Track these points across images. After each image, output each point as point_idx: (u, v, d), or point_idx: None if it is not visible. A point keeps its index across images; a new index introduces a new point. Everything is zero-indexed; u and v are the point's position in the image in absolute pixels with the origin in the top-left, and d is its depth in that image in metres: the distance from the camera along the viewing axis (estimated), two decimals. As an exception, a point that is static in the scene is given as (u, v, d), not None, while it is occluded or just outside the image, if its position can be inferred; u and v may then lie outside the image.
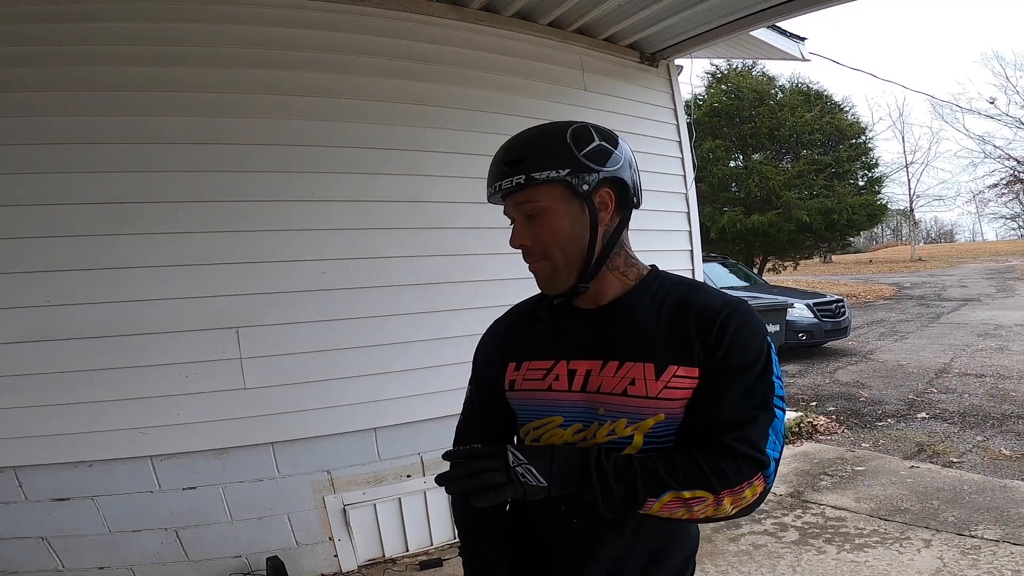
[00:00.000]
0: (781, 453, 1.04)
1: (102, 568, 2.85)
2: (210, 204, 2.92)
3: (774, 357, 1.05)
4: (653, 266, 1.17)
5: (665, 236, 4.42)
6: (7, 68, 2.63)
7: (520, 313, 1.23)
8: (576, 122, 1.09)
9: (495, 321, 1.26)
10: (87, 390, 2.72)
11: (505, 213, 1.11)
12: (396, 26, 3.32)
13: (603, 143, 1.07)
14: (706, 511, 0.99)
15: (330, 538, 3.20)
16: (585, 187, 1.04)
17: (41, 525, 2.75)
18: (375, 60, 3.26)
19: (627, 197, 1.10)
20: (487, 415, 1.22)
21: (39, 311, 2.65)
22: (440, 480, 1.01)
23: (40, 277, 2.66)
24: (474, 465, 0.99)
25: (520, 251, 1.12)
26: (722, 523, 3.69)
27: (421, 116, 3.35)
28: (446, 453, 1.05)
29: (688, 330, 1.04)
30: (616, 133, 1.12)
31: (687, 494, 0.97)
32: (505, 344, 1.20)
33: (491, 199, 1.11)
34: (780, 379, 1.05)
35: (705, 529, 3.62)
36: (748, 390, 1.01)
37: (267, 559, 2.98)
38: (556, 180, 1.03)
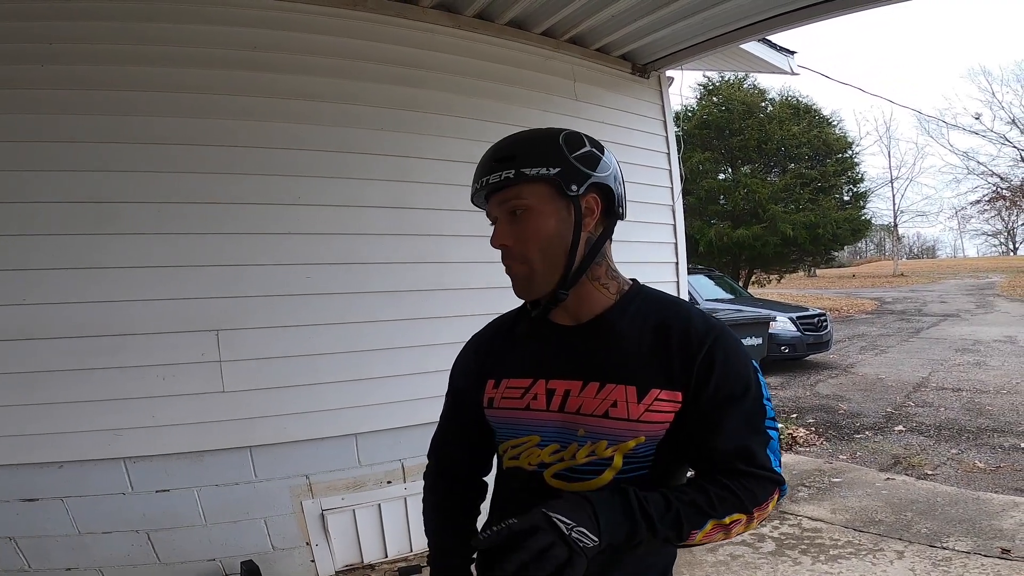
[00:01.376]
0: (779, 467, 1.06)
1: (70, 569, 2.80)
2: (194, 205, 2.89)
3: (762, 380, 1.06)
4: (634, 280, 1.15)
5: (651, 248, 4.44)
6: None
7: (499, 328, 1.21)
8: (568, 129, 1.08)
9: (475, 335, 1.25)
10: (61, 390, 2.68)
11: (488, 214, 1.09)
12: (389, 31, 3.31)
13: (593, 150, 1.07)
14: (740, 529, 1.01)
15: (307, 543, 3.18)
16: (575, 187, 1.03)
17: (8, 525, 2.70)
18: (367, 65, 3.25)
19: (612, 206, 1.08)
20: (464, 428, 1.21)
21: (14, 309, 2.61)
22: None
23: (17, 275, 2.62)
24: (531, 546, 0.85)
25: (500, 253, 1.09)
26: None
27: (412, 122, 3.34)
28: (480, 543, 0.90)
29: (671, 353, 1.03)
30: (603, 145, 1.11)
31: (727, 520, 0.98)
32: (484, 360, 1.18)
33: (475, 198, 1.09)
34: (770, 400, 1.06)
35: (683, 540, 3.64)
36: (746, 418, 1.02)
37: (241, 563, 2.95)
38: (546, 178, 1.02)
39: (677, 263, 4.63)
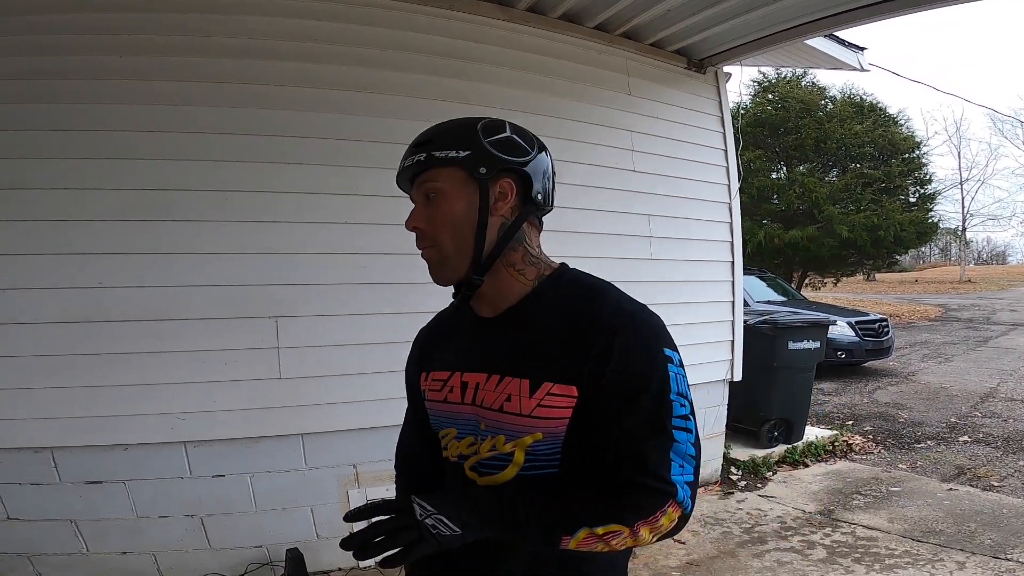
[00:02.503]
0: (695, 473, 0.97)
1: (124, 553, 2.91)
2: (256, 194, 2.96)
3: (673, 372, 0.98)
4: (562, 264, 1.11)
5: (705, 246, 4.37)
6: (65, 56, 2.71)
7: (440, 321, 1.22)
8: (497, 119, 1.08)
9: (421, 328, 1.25)
10: (129, 373, 2.78)
11: (411, 199, 1.09)
12: (440, 24, 3.33)
13: (516, 137, 1.05)
14: (625, 543, 0.95)
15: (351, 532, 3.22)
16: (483, 170, 1.01)
17: (71, 508, 2.81)
18: (417, 57, 3.27)
19: (530, 193, 1.05)
20: (418, 421, 1.20)
21: (87, 292, 2.72)
22: (346, 545, 0.95)
23: (90, 259, 2.73)
24: (382, 526, 0.92)
25: (415, 237, 1.08)
26: (746, 538, 3.63)
27: (461, 114, 3.35)
28: (346, 514, 0.98)
29: (574, 343, 0.98)
30: (543, 142, 1.10)
31: (600, 530, 0.93)
32: (423, 352, 1.19)
33: (398, 180, 1.10)
34: (684, 395, 0.98)
35: (728, 543, 3.57)
36: (644, 418, 0.94)
37: (287, 550, 3.00)
38: (455, 161, 1.01)
39: (733, 262, 4.53)
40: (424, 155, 1.02)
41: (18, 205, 2.66)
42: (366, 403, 3.14)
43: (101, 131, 2.75)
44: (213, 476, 2.98)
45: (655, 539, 0.96)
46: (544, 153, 1.08)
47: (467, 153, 1.01)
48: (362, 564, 3.23)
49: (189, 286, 2.86)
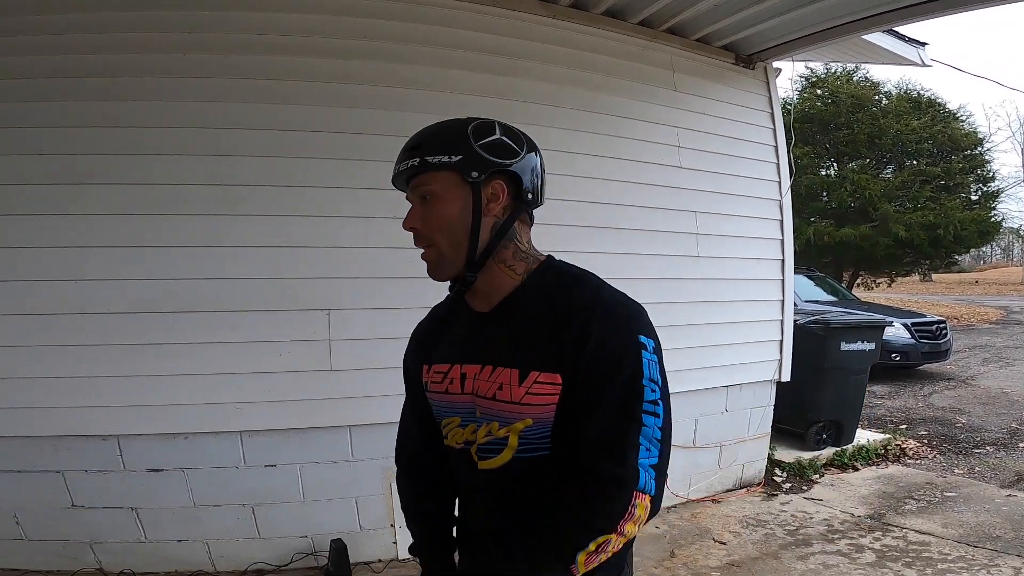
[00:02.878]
0: (662, 456, 1.01)
1: (180, 541, 3.02)
2: (312, 189, 3.03)
3: (647, 359, 1.02)
4: (548, 257, 1.16)
5: (754, 244, 4.29)
6: (133, 54, 2.83)
7: (436, 315, 1.28)
8: (487, 119, 1.11)
9: (420, 322, 1.31)
10: (190, 363, 2.89)
11: (407, 198, 1.14)
12: (483, 20, 3.35)
13: (505, 139, 1.09)
14: (618, 544, 1.00)
15: (392, 524, 3.27)
16: (475, 174, 1.06)
17: (133, 496, 2.94)
18: (459, 53, 3.30)
19: (520, 193, 1.10)
20: (416, 411, 1.27)
21: (152, 284, 2.84)
22: None
23: (155, 252, 2.85)
24: None
25: (412, 236, 1.13)
26: (789, 540, 3.57)
27: (507, 110, 3.34)
28: None
29: (554, 332, 1.04)
30: (532, 141, 1.14)
31: (593, 546, 0.98)
32: (423, 345, 1.25)
33: (394, 181, 1.14)
34: (655, 381, 1.02)
35: (771, 545, 3.52)
36: (614, 402, 0.99)
37: (331, 541, 3.07)
38: (447, 165, 1.05)
39: (783, 260, 4.44)
40: (417, 160, 1.07)
41: (86, 200, 2.80)
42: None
43: (168, 128, 2.87)
44: (265, 466, 3.07)
45: (639, 528, 1.01)
46: (534, 152, 1.13)
47: (459, 158, 1.06)
48: (401, 556, 3.31)
49: (247, 278, 2.95)
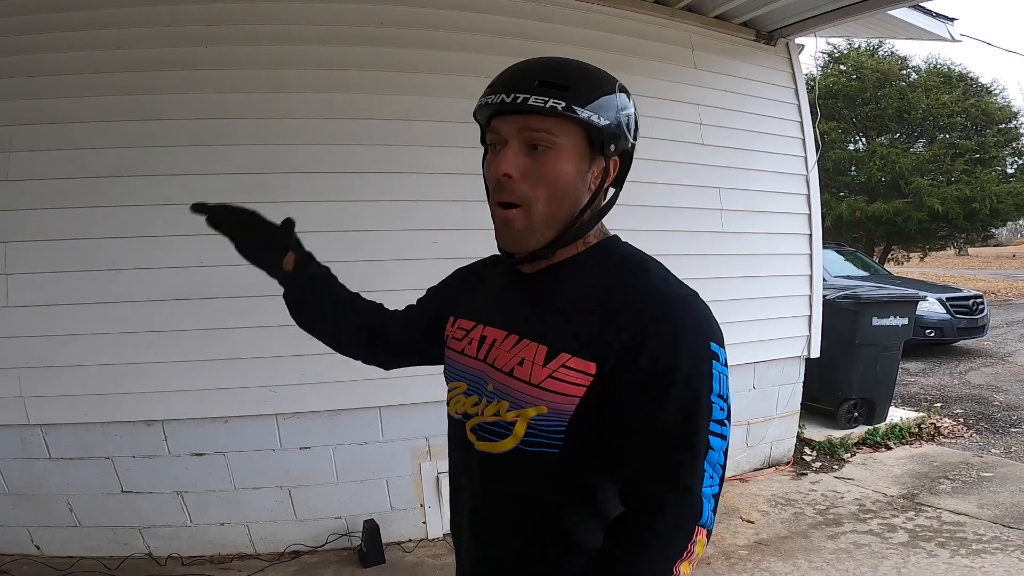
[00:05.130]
0: (722, 482, 0.86)
1: (223, 524, 3.11)
2: (335, 175, 3.07)
3: (717, 371, 0.85)
4: (614, 236, 1.00)
5: (780, 219, 4.26)
6: (161, 47, 2.89)
7: (483, 265, 1.14)
8: (621, 83, 0.94)
9: (465, 267, 1.18)
10: (229, 347, 2.97)
11: (490, 133, 0.93)
12: (502, 3, 3.36)
13: (635, 113, 0.95)
14: None
15: (421, 504, 3.34)
16: (612, 147, 0.91)
17: (179, 480, 3.04)
18: (482, 37, 3.31)
19: (623, 177, 0.97)
20: (410, 313, 1.23)
21: (191, 271, 2.91)
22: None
23: (192, 240, 2.85)
24: None
25: (492, 187, 0.94)
26: (820, 520, 3.56)
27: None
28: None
29: (605, 317, 0.87)
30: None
31: None
32: (457, 293, 1.13)
33: (484, 110, 0.92)
34: (724, 398, 0.86)
35: (800, 525, 3.51)
36: (677, 419, 0.83)
37: (364, 521, 3.14)
38: (592, 126, 0.88)
39: (811, 235, 4.39)
40: (564, 104, 0.86)
41: (123, 192, 2.88)
42: (439, 376, 3.25)
43: (204, 119, 2.93)
44: (300, 448, 3.15)
45: (693, 568, 0.86)
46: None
47: (607, 123, 0.89)
48: (431, 535, 3.37)
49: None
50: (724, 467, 0.86)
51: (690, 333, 0.85)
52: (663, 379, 0.83)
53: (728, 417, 0.87)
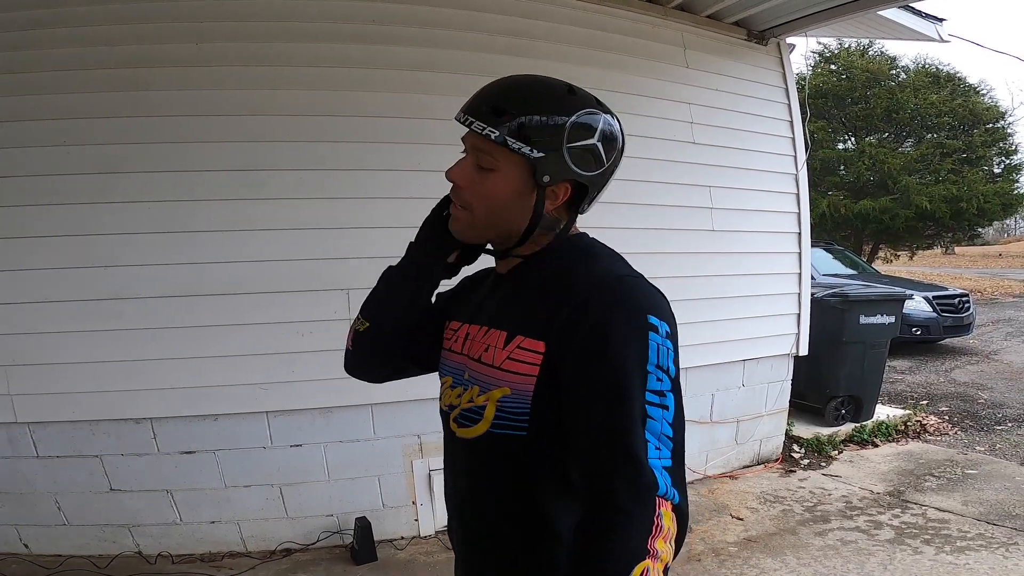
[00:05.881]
0: (676, 459, 0.86)
1: (213, 522, 3.10)
2: (332, 172, 3.07)
3: (655, 342, 0.88)
4: (581, 234, 1.06)
5: (769, 217, 4.29)
6: (154, 44, 2.87)
7: (483, 274, 1.19)
8: (596, 112, 0.97)
9: (470, 275, 1.23)
10: (219, 344, 2.96)
11: (462, 139, 1.01)
12: (499, 2, 3.37)
13: (600, 146, 0.97)
14: (658, 570, 0.80)
15: (413, 502, 3.34)
16: (547, 179, 0.95)
17: (168, 478, 3.02)
18: (477, 36, 3.31)
19: (578, 203, 1.01)
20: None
21: (181, 268, 2.90)
22: None
23: (183, 237, 2.91)
24: None
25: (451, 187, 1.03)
26: (807, 517, 3.59)
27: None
28: None
29: (551, 300, 0.94)
30: (622, 146, 1.01)
31: None
32: (455, 300, 1.19)
33: (458, 119, 0.99)
34: (664, 369, 0.88)
35: (788, 521, 3.55)
36: (611, 386, 0.86)
37: (356, 519, 3.15)
38: (524, 156, 0.93)
39: (800, 233, 4.44)
40: (497, 133, 0.93)
41: (114, 188, 2.85)
42: (433, 373, 3.25)
43: (192, 116, 2.90)
44: (291, 446, 3.14)
45: (673, 547, 0.84)
46: (617, 160, 1.01)
47: (540, 156, 0.94)
48: (423, 533, 3.37)
49: (270, 261, 3.00)
50: (674, 440, 0.86)
51: (622, 308, 0.90)
52: (596, 353, 0.87)
53: (673, 389, 0.88)
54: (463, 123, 0.96)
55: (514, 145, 0.93)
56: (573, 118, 0.95)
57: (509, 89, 0.98)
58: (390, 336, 1.15)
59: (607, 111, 0.99)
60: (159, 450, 3.01)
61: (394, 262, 1.17)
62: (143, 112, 2.87)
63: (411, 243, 1.13)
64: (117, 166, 2.86)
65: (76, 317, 2.85)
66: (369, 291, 1.18)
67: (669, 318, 0.92)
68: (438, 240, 1.08)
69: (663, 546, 0.81)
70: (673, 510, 0.83)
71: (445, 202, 1.09)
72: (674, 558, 0.84)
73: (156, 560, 3.01)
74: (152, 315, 2.90)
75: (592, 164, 0.97)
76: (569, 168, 0.96)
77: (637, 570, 0.78)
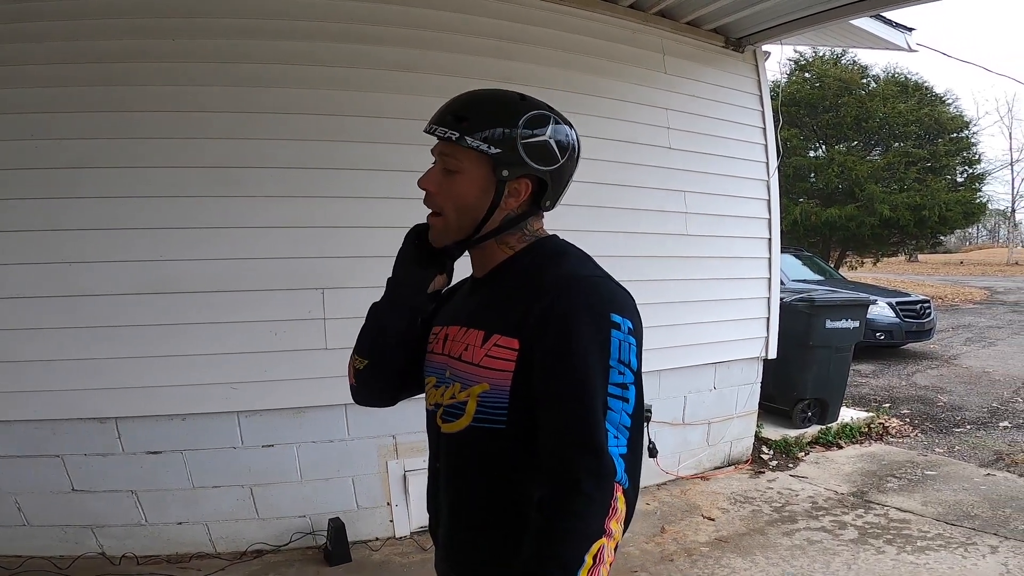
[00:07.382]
0: (632, 448, 0.95)
1: (180, 523, 3.05)
2: (311, 171, 3.04)
3: (617, 338, 0.97)
4: (551, 235, 1.15)
5: (742, 223, 4.36)
6: (129, 39, 2.81)
7: (464, 281, 1.25)
8: (544, 112, 1.07)
9: (453, 284, 1.29)
10: (187, 343, 2.90)
11: (431, 151, 1.11)
12: (482, 4, 3.37)
13: (552, 143, 1.06)
14: (611, 551, 0.91)
15: (388, 503, 3.32)
16: (505, 173, 1.04)
17: (133, 478, 2.96)
18: (460, 38, 3.31)
19: (541, 199, 1.09)
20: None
21: (149, 265, 2.84)
22: None
23: (153, 233, 2.85)
24: None
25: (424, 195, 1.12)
26: (776, 517, 3.66)
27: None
28: None
29: (523, 299, 1.02)
30: (578, 145, 1.11)
31: (590, 559, 0.88)
32: (440, 307, 1.23)
33: (427, 131, 1.10)
34: (626, 363, 0.96)
35: (758, 522, 3.61)
36: (577, 379, 0.94)
37: (329, 520, 3.12)
38: (483, 154, 1.03)
39: (770, 239, 4.52)
40: (457, 135, 1.03)
41: (82, 184, 2.79)
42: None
43: (161, 112, 2.85)
44: (263, 446, 3.10)
45: (623, 527, 0.94)
46: (573, 160, 1.10)
47: (497, 152, 1.03)
48: (398, 534, 3.35)
49: (241, 259, 2.96)
50: (631, 430, 0.95)
51: (587, 306, 0.98)
52: (562, 349, 0.96)
53: (635, 383, 0.98)
54: (430, 132, 1.07)
55: (473, 143, 1.03)
56: (525, 117, 1.05)
57: (468, 99, 1.08)
58: (389, 366, 1.22)
59: (558, 116, 1.09)
60: (124, 450, 2.94)
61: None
62: (114, 107, 2.80)
63: (389, 278, 1.21)
64: (87, 161, 2.79)
65: (38, 314, 2.78)
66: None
67: (632, 315, 1.00)
68: (414, 271, 1.17)
69: (616, 527, 0.91)
70: (624, 494, 0.92)
71: (413, 234, 1.19)
72: (622, 536, 0.94)
73: (120, 561, 2.94)
74: (117, 312, 2.83)
75: (546, 159, 1.06)
76: (526, 163, 1.05)
77: (595, 547, 0.89)
